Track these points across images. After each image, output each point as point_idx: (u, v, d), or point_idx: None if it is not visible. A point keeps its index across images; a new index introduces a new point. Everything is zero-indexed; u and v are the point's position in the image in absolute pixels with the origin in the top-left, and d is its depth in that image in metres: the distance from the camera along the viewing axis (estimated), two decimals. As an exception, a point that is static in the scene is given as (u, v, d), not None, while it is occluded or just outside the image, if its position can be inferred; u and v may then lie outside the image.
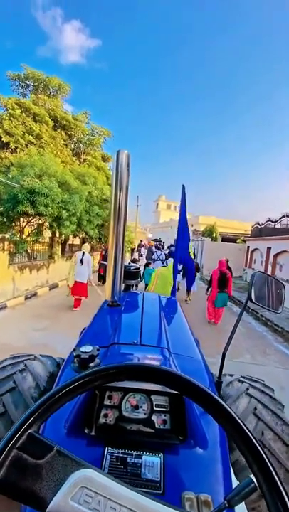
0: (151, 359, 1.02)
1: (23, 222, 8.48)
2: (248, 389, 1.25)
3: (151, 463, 0.74)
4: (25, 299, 7.04)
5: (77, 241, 12.69)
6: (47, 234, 9.48)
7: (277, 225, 12.31)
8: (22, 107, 10.49)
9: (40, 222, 8.41)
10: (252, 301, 1.23)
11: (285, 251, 10.05)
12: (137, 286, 2.81)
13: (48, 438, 0.40)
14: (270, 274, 10.66)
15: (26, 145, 10.27)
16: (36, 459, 0.37)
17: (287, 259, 9.91)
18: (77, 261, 5.93)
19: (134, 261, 9.09)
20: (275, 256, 10.82)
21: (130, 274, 2.33)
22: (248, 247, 14.72)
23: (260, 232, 13.74)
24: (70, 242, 12.29)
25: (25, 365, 1.26)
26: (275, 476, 0.36)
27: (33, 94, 11.98)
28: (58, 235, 9.13)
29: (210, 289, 6.03)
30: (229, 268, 6.39)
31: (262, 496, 0.37)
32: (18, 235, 7.68)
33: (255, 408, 1.15)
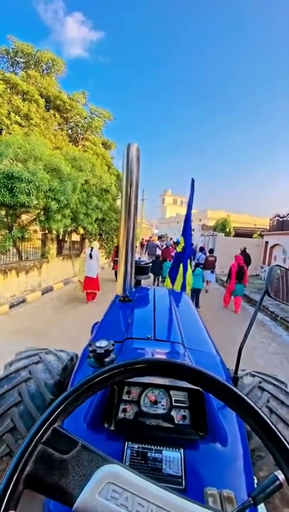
0: (167, 354, 1.02)
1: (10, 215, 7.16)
2: (260, 382, 1.30)
3: (172, 458, 0.74)
4: (10, 307, 5.82)
5: (78, 237, 11.31)
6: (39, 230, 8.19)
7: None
8: (8, 83, 9.10)
9: (27, 215, 7.07)
10: (269, 296, 1.21)
11: None
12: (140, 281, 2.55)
13: (72, 433, 0.40)
14: None
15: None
16: (62, 454, 0.37)
17: None
18: (87, 256, 6.25)
19: (158, 257, 8.82)
20: (304, 253, 9.27)
21: (141, 269, 2.30)
22: (267, 242, 13.21)
23: (283, 225, 12.16)
24: (69, 238, 10.96)
25: (40, 357, 1.32)
26: None
27: (22, 72, 10.52)
28: (52, 230, 7.76)
29: (228, 281, 6.75)
30: (248, 256, 7.94)
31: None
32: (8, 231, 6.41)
33: (268, 401, 1.18)
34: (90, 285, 6.34)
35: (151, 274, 6.92)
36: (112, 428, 0.80)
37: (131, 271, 1.72)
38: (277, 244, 12.05)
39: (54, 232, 7.38)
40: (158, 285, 8.00)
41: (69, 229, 9.78)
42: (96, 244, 6.80)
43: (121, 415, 0.85)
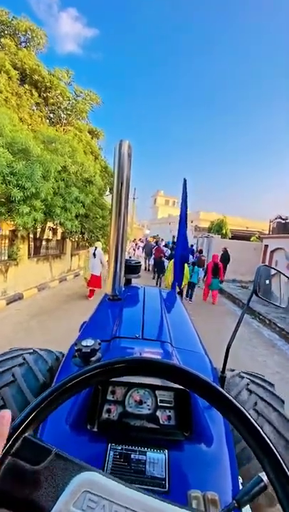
0: (154, 353, 1.00)
1: None
2: (248, 384, 1.31)
3: (156, 460, 0.73)
4: None
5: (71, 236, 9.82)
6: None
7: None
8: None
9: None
10: (257, 296, 1.18)
11: None
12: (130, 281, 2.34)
13: (45, 441, 0.38)
14: None
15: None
16: (34, 465, 0.34)
17: None
18: (90, 255, 6.79)
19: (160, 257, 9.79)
20: (314, 259, 8.22)
21: (131, 269, 2.27)
22: (266, 246, 12.20)
23: (285, 227, 11.16)
24: (54, 237, 9.47)
25: (24, 359, 1.28)
26: (287, 471, 0.34)
27: (-6, 41, 8.95)
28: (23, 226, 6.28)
29: (206, 277, 7.89)
30: (228, 255, 10.56)
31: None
32: None
33: (256, 403, 1.18)
34: (94, 282, 6.77)
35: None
36: (95, 429, 0.79)
37: (121, 270, 1.69)
38: (279, 248, 11.04)
39: (23, 228, 5.95)
40: (160, 283, 9.10)
41: (46, 225, 8.37)
42: (99, 244, 7.08)
43: (105, 416, 0.83)
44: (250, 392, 1.25)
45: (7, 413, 0.35)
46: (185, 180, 2.76)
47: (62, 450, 0.37)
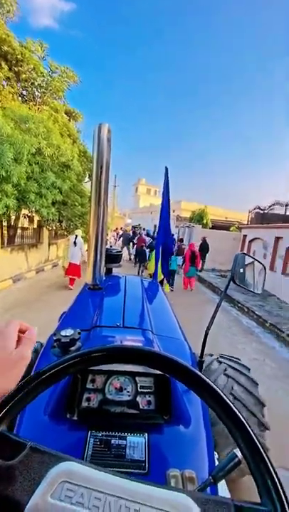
0: (135, 341, 1.00)
1: None
2: (225, 369, 1.43)
3: (136, 443, 0.74)
4: None
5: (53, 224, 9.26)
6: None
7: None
8: None
9: None
10: (235, 283, 1.23)
11: (306, 243, 7.72)
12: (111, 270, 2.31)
13: (19, 435, 0.38)
14: (282, 271, 8.06)
15: None
16: (7, 460, 0.33)
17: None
18: (71, 244, 6.63)
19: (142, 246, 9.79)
20: (289, 249, 8.50)
21: (112, 258, 2.23)
22: (245, 235, 12.49)
23: (263, 218, 11.44)
24: (31, 225, 8.88)
25: None
26: (259, 445, 0.36)
27: None
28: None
29: (184, 265, 8.15)
30: (207, 244, 11.06)
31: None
32: None
33: (232, 388, 1.30)
34: (73, 271, 6.63)
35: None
36: (75, 418, 0.79)
37: (101, 259, 1.65)
38: (257, 238, 11.34)
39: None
40: (142, 272, 9.18)
41: (20, 213, 7.84)
42: (80, 232, 6.98)
43: (85, 404, 0.84)
44: (228, 376, 1.37)
45: None
46: (166, 169, 2.74)
47: (41, 440, 0.36)
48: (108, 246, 2.37)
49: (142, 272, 9.41)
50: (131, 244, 13.17)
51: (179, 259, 9.08)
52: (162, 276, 3.72)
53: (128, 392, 0.86)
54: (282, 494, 0.32)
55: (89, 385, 0.86)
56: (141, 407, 0.84)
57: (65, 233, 9.60)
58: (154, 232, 13.27)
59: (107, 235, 16.68)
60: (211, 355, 1.60)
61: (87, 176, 11.16)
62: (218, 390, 0.41)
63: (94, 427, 0.76)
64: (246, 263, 1.35)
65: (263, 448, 0.35)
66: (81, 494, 0.31)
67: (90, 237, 1.70)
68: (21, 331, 0.44)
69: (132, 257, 12.06)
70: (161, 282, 6.26)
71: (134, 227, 21.00)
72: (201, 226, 14.19)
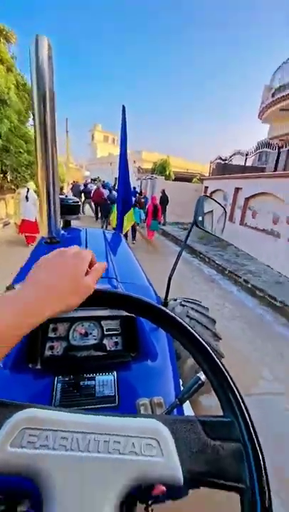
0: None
1: None
2: (188, 312, 1.56)
3: (105, 381, 0.76)
4: None
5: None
6: None
7: (249, 162, 10.10)
8: None
9: None
10: (197, 226, 1.24)
11: (262, 193, 7.97)
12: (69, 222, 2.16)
13: None
14: (240, 221, 8.64)
15: None
16: None
17: (264, 204, 7.92)
18: (22, 198, 5.92)
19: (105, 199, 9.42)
20: (247, 200, 8.77)
21: (69, 209, 2.05)
22: (206, 187, 12.51)
23: (224, 169, 11.40)
24: None
25: None
26: (221, 365, 0.38)
27: None
28: None
29: (146, 218, 8.26)
30: (166, 197, 11.02)
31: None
32: None
33: (194, 327, 1.30)
34: (29, 228, 6.02)
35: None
36: (39, 367, 0.78)
37: (55, 210, 1.50)
38: (218, 190, 11.45)
39: None
40: (106, 226, 8.92)
41: None
42: (32, 184, 6.15)
43: (48, 353, 0.82)
44: (190, 318, 1.52)
45: None
46: (124, 108, 2.53)
47: (3, 394, 0.35)
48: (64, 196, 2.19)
49: (106, 227, 9.04)
50: (83, 195, 12.37)
51: (142, 213, 8.99)
52: (128, 229, 3.61)
53: (94, 336, 0.87)
54: (242, 405, 0.34)
55: (51, 334, 0.85)
56: (108, 348, 0.86)
57: (12, 187, 8.35)
58: (114, 186, 12.48)
59: (63, 188, 15.27)
60: (175, 299, 1.71)
61: (32, 117, 9.37)
62: (183, 322, 0.43)
63: (60, 373, 0.76)
64: (207, 206, 1.38)
65: (224, 367, 0.38)
66: (46, 437, 0.30)
67: (39, 183, 1.46)
68: (91, 264, 0.44)
69: (91, 210, 11.64)
70: (126, 236, 6.17)
71: (93, 179, 19.31)
72: (164, 178, 13.70)
